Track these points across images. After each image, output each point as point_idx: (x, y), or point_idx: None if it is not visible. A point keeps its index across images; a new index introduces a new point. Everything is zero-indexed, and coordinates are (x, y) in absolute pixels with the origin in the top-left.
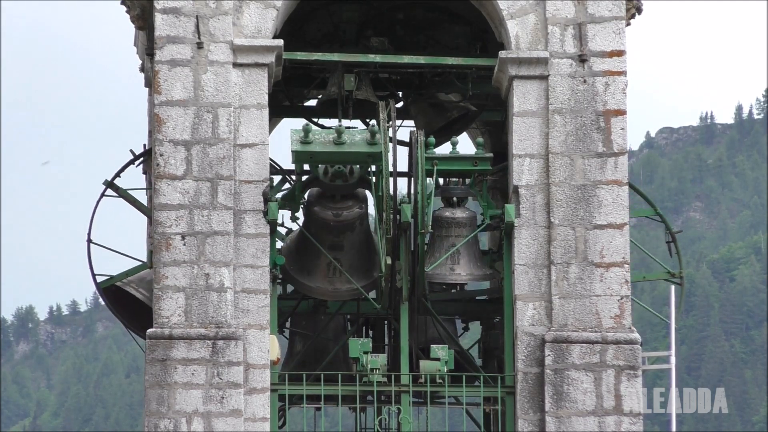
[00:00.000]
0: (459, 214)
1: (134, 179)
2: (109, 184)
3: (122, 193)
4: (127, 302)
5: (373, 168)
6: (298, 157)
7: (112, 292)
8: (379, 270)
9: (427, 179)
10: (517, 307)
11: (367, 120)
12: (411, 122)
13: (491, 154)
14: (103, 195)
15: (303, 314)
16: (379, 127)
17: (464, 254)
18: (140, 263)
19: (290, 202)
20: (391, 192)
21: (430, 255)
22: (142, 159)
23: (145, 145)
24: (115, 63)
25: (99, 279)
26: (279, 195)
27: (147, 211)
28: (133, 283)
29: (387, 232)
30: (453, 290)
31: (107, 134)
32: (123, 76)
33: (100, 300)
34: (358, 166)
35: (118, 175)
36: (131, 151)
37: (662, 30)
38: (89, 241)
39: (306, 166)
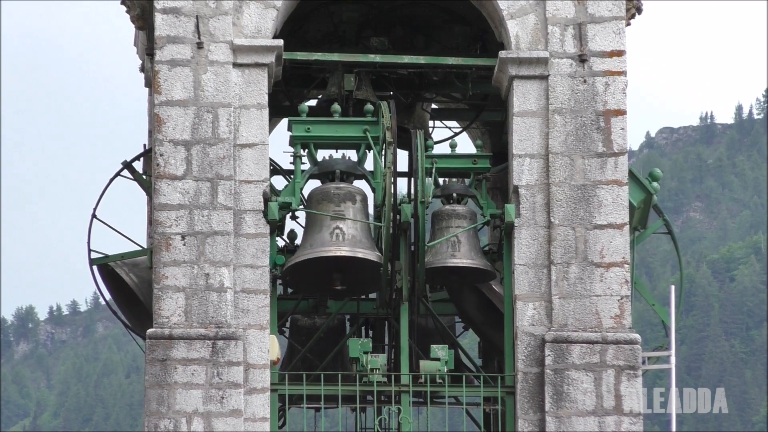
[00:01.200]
0: (459, 208)
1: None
2: (127, 165)
3: (137, 177)
4: (119, 287)
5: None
6: (296, 128)
7: (106, 273)
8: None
9: (427, 179)
10: (517, 307)
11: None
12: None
13: (490, 153)
14: (118, 174)
15: (303, 328)
16: (380, 123)
17: (465, 243)
18: (139, 249)
19: (291, 197)
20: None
21: (431, 247)
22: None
23: (145, 145)
24: (115, 63)
25: (94, 255)
26: (279, 194)
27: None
28: (126, 266)
29: (390, 167)
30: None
31: (107, 134)
32: (123, 76)
33: (101, 300)
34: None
35: (138, 158)
36: (144, 145)
37: (662, 30)
38: (94, 215)
39: (303, 166)
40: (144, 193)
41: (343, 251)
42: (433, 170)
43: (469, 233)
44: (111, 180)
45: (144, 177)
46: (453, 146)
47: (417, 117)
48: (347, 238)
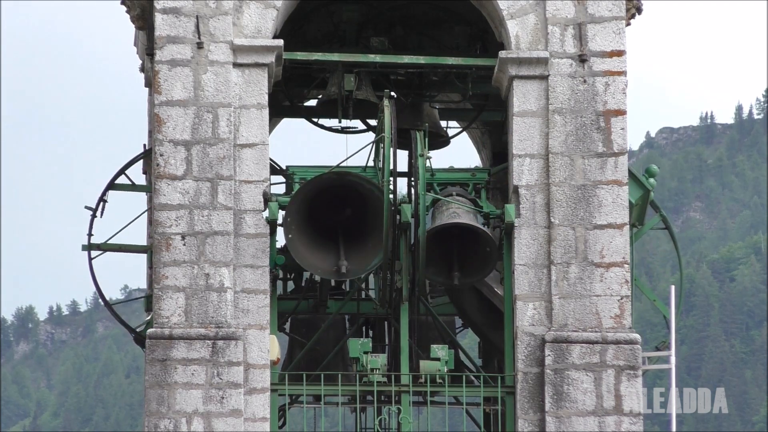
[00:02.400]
0: (459, 197)
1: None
2: (89, 247)
3: (105, 248)
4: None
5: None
6: (293, 168)
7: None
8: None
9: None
10: (517, 307)
11: (368, 120)
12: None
13: (489, 168)
14: (91, 260)
15: (303, 320)
16: (380, 120)
17: (464, 216)
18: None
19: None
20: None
21: (432, 224)
22: (102, 208)
23: (89, 208)
24: (115, 63)
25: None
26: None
27: (138, 248)
28: None
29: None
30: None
31: (107, 134)
32: (123, 76)
33: (100, 300)
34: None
35: (90, 234)
36: (86, 207)
37: (662, 30)
38: (108, 304)
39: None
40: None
41: (349, 172)
42: (429, 172)
43: (470, 215)
44: (91, 270)
45: (109, 243)
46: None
47: (426, 115)
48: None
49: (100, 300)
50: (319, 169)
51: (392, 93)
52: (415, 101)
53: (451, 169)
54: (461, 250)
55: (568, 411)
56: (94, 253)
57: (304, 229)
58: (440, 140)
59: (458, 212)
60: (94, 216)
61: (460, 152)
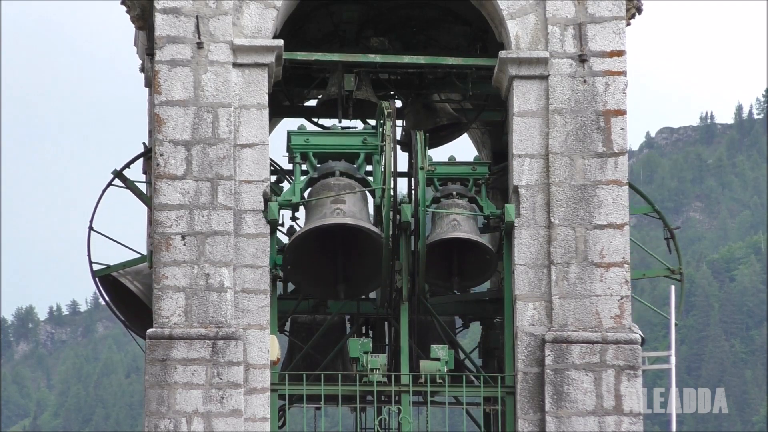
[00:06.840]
0: (459, 200)
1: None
2: (118, 174)
3: (129, 185)
4: (122, 295)
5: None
6: (294, 139)
7: (109, 283)
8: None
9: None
10: (517, 307)
11: (367, 120)
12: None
13: (489, 161)
14: (110, 184)
15: (303, 324)
16: (378, 123)
17: (465, 226)
18: (139, 256)
19: (291, 196)
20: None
21: (431, 231)
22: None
23: (144, 144)
24: (115, 63)
25: (96, 267)
26: (280, 195)
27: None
28: (129, 275)
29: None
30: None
31: (107, 134)
32: (123, 76)
33: (100, 300)
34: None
35: (127, 165)
36: (144, 143)
37: (662, 30)
38: (91, 228)
39: (303, 166)
40: (136, 205)
41: (346, 220)
42: (431, 172)
43: (470, 222)
44: (104, 191)
45: (135, 184)
46: (452, 160)
47: (441, 110)
48: (348, 214)
49: (101, 300)
50: (318, 134)
51: (390, 102)
52: (425, 101)
53: (452, 162)
54: (461, 256)
55: (568, 411)
56: (117, 182)
57: (301, 257)
58: (464, 126)
59: (458, 219)
60: (143, 155)
61: (460, 152)
